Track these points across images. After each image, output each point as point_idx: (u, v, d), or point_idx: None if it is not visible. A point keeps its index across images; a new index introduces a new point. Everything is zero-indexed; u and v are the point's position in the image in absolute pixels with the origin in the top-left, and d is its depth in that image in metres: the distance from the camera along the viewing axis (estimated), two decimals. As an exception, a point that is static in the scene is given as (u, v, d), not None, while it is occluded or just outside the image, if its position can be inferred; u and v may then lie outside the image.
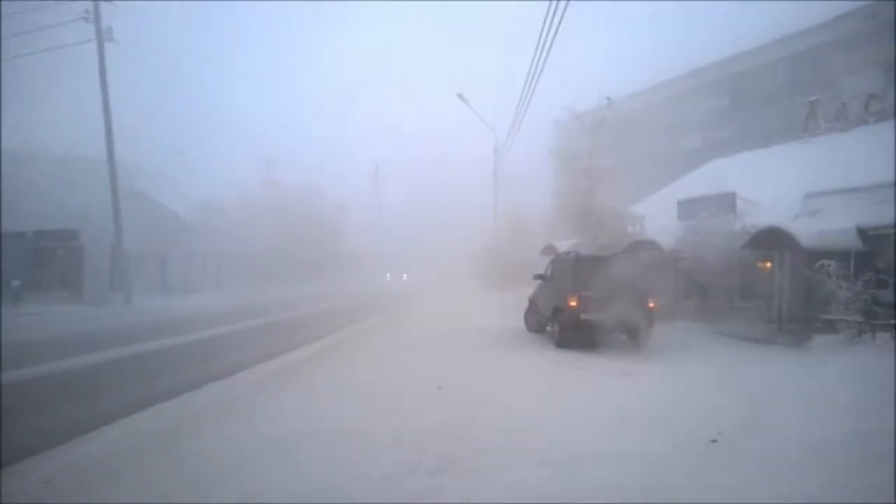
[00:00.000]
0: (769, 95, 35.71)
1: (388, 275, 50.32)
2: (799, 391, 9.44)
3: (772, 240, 15.60)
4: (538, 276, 16.79)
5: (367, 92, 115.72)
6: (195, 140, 52.93)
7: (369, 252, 51.88)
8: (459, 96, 30.80)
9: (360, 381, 9.91)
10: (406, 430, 7.04)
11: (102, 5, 24.58)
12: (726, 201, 18.65)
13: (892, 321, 12.91)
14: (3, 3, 23.07)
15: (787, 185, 18.02)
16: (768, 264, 17.40)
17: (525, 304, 17.85)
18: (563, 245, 21.21)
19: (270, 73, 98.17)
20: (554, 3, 12.11)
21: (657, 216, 20.44)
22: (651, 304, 13.85)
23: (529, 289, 18.03)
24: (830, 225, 14.84)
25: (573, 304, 13.66)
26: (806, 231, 14.77)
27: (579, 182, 20.34)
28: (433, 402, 8.50)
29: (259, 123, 77.86)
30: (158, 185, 36.31)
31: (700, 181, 23.72)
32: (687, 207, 20.08)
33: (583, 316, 13.52)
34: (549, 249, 23.00)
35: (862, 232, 14.48)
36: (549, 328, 15.56)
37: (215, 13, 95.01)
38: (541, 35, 13.47)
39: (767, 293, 17.21)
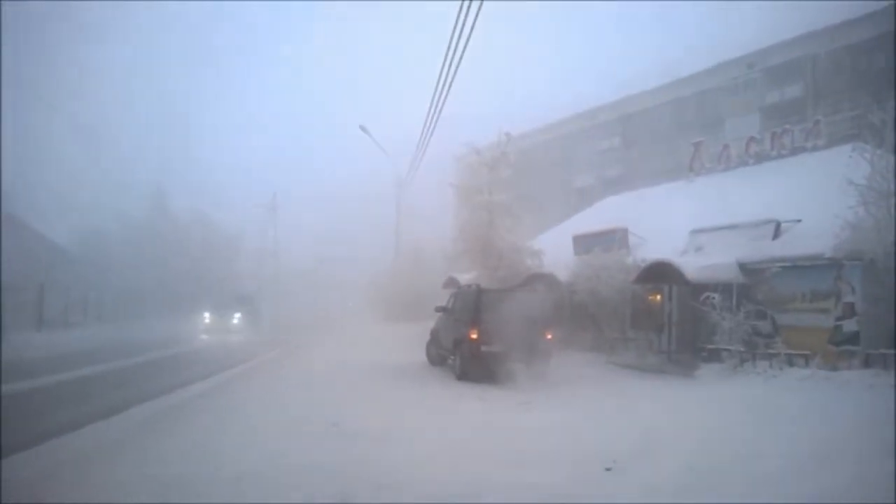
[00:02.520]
0: (658, 136, 37.55)
1: (207, 315, 30.66)
2: (686, 419, 9.72)
3: (660, 273, 16.27)
4: (440, 309, 16.73)
5: (267, 121, 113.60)
6: (80, 165, 49.78)
7: (263, 285, 49.59)
8: (362, 128, 30.72)
9: (250, 422, 9.38)
10: (299, 471, 6.69)
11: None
12: (618, 236, 19.35)
13: (771, 350, 13.70)
14: None
15: (675, 221, 18.86)
16: (658, 297, 18.13)
17: (427, 337, 17.70)
18: (465, 278, 21.31)
19: (167, 97, 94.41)
20: (455, 39, 12.27)
21: (554, 250, 20.86)
22: (549, 336, 14.12)
23: (432, 321, 17.92)
24: (714, 259, 15.62)
25: (474, 336, 13.67)
26: (692, 265, 15.46)
27: (479, 216, 20.61)
28: (329, 440, 8.15)
29: (151, 149, 74.29)
30: (36, 211, 33.87)
31: (594, 217, 24.62)
32: (582, 242, 20.68)
33: (483, 348, 13.54)
34: (450, 282, 23.06)
35: (742, 266, 15.35)
36: (450, 361, 15.49)
37: (112, 29, 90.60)
38: (442, 69, 13.63)
39: (657, 324, 17.91)
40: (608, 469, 6.93)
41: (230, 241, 47.47)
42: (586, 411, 10.28)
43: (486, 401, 11.25)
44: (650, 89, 38.00)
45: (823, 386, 11.80)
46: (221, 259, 44.64)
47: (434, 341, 17.08)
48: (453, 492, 5.94)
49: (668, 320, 17.76)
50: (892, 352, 12.25)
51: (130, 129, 75.67)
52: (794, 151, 21.12)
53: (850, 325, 13.16)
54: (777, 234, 15.53)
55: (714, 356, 14.47)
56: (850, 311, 13.22)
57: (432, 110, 16.85)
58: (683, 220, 18.44)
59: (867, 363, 12.56)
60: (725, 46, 33.34)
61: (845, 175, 13.23)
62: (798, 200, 16.17)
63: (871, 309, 12.87)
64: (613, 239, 19.40)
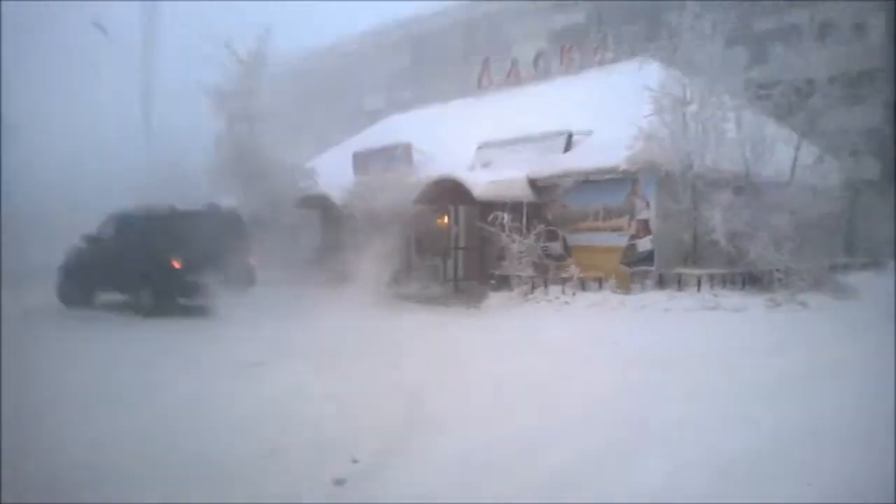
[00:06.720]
0: (449, 57, 36.35)
1: None
2: (456, 377, 7.31)
3: (446, 191, 14.44)
4: (88, 238, 13.51)
5: None
6: None
7: None
8: (95, 24, 25.00)
9: None
10: None
11: None
12: (400, 152, 17.38)
13: (563, 274, 12.37)
14: None
15: (464, 136, 17.19)
16: (445, 219, 16.29)
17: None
18: (228, 202, 17.95)
19: None
20: None
21: (335, 171, 18.72)
22: (252, 261, 13.18)
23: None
24: (503, 175, 14.07)
25: (176, 265, 12.47)
26: (479, 181, 13.75)
27: (238, 126, 17.25)
28: None
29: None
30: None
31: (380, 135, 22.37)
32: (362, 160, 18.51)
33: (189, 278, 12.14)
34: (212, 207, 19.51)
35: (533, 182, 13.94)
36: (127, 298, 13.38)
37: None
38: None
39: (443, 250, 16.12)
40: (355, 461, 4.58)
41: None
42: (336, 371, 7.35)
43: (196, 365, 8.02)
44: (441, 10, 37.27)
45: (617, 312, 10.77)
46: None
47: (72, 277, 13.54)
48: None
49: (454, 244, 16.03)
50: (685, 271, 11.35)
51: None
52: (584, 67, 20.12)
53: (644, 244, 12.12)
54: (569, 146, 14.23)
55: (503, 283, 12.99)
56: (644, 228, 12.21)
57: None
58: (473, 135, 16.75)
59: (661, 284, 11.59)
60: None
61: (640, 83, 12.24)
62: (590, 112, 15.01)
63: (665, 225, 11.82)
64: (396, 156, 17.38)
